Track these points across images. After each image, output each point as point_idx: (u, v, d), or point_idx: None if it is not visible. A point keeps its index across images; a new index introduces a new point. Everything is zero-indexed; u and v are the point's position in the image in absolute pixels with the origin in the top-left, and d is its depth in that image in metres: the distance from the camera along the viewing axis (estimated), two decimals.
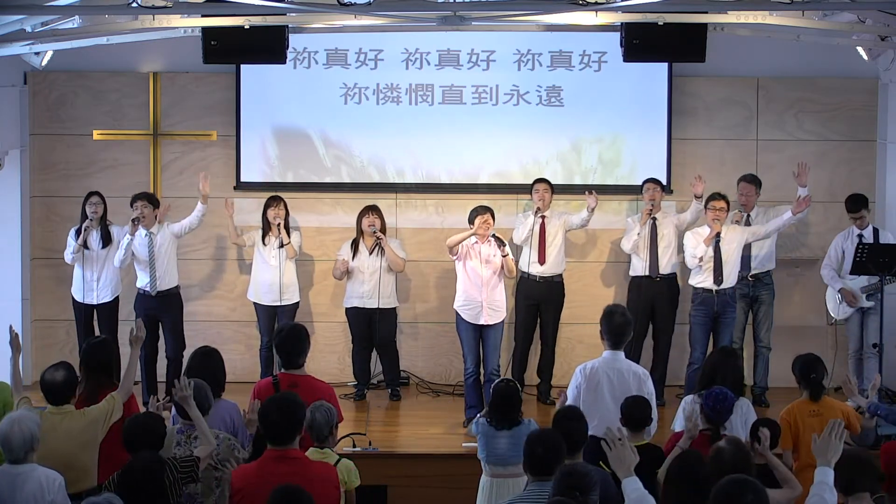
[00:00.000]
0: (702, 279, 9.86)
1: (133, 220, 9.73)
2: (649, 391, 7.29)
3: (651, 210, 9.99)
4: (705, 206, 9.83)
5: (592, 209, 9.94)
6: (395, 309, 10.34)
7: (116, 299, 10.12)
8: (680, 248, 10.12)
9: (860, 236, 9.89)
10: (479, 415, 7.39)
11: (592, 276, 10.85)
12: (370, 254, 10.11)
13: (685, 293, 10.21)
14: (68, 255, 9.98)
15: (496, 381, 7.36)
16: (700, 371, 7.55)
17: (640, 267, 10.09)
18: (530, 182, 10.30)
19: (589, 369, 7.35)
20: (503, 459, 6.96)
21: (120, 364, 7.15)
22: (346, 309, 10.29)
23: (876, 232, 9.98)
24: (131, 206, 9.88)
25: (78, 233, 9.93)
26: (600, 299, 10.45)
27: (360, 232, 10.17)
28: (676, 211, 10.42)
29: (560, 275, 10.20)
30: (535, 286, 10.07)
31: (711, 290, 9.80)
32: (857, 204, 9.98)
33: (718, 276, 9.75)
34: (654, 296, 10.02)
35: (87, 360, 7.03)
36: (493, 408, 7.07)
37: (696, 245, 9.80)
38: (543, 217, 10.08)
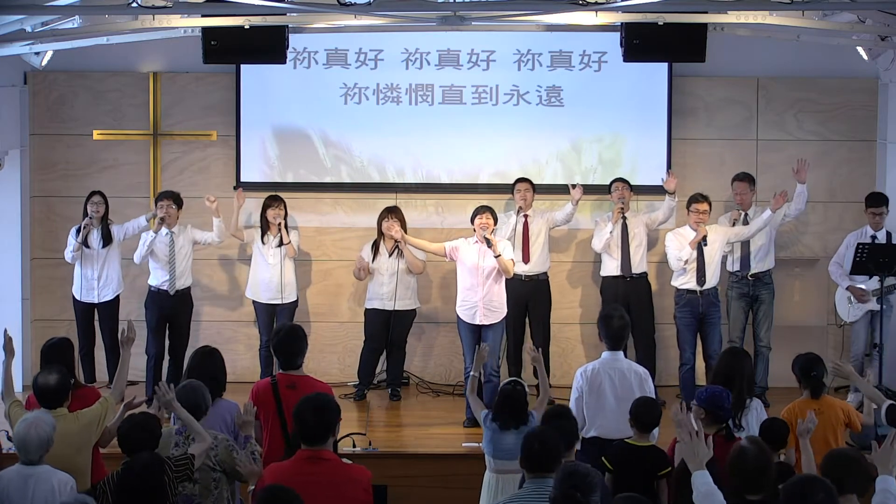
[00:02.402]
0: (685, 280, 9.86)
1: (161, 219, 9.81)
2: (650, 390, 7.30)
3: (623, 209, 10.01)
4: (687, 208, 9.84)
5: (577, 202, 9.96)
6: (414, 310, 10.35)
7: (117, 298, 10.16)
8: (650, 247, 10.17)
9: (873, 237, 9.89)
10: (488, 411, 7.33)
11: (592, 275, 10.84)
12: (389, 255, 10.12)
13: (662, 292, 10.20)
14: (68, 254, 10.01)
15: (504, 382, 7.33)
16: (713, 373, 7.50)
17: (612, 267, 10.11)
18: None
19: (590, 371, 7.35)
20: (511, 454, 6.92)
21: (76, 363, 7.14)
22: (366, 310, 10.30)
23: (889, 235, 9.96)
24: (155, 204, 9.97)
25: (78, 231, 9.95)
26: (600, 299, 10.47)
27: (380, 233, 10.17)
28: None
29: (545, 273, 10.21)
30: (521, 285, 10.06)
31: (695, 291, 9.81)
32: (879, 200, 9.98)
33: (701, 276, 9.75)
34: (628, 295, 10.01)
35: (47, 360, 6.99)
36: (499, 409, 7.03)
37: (681, 248, 9.80)
38: (526, 216, 10.09)
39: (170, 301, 9.97)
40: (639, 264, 10.09)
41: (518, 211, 10.06)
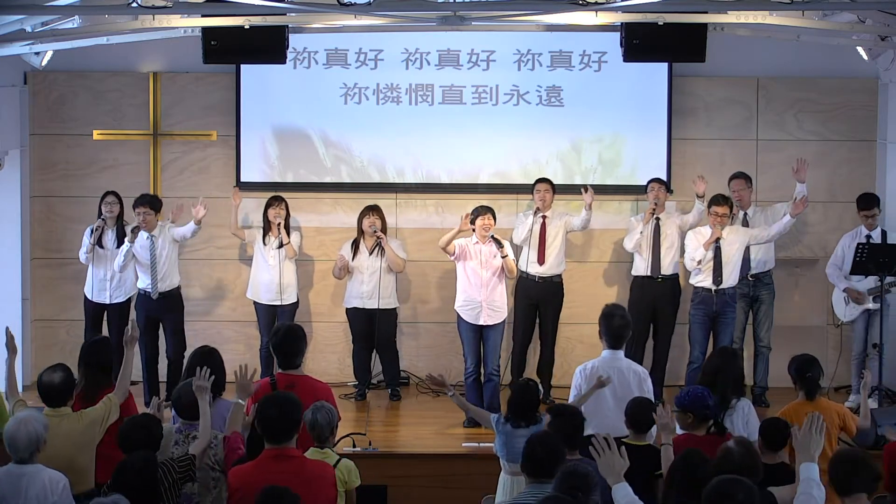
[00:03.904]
0: (702, 278, 9.83)
1: (133, 230, 9.74)
2: (649, 390, 7.30)
3: (654, 209, 9.98)
4: (708, 208, 9.81)
5: (590, 206, 9.92)
6: (395, 310, 10.33)
7: (129, 300, 10.11)
8: (683, 250, 10.10)
9: (868, 237, 9.88)
10: (499, 414, 7.33)
11: (593, 276, 10.84)
12: (370, 254, 10.11)
13: (686, 293, 10.17)
14: (82, 255, 9.96)
15: (518, 380, 7.32)
16: (700, 372, 7.53)
17: (642, 267, 10.07)
18: (530, 182, 10.30)
19: (589, 369, 7.36)
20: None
21: (119, 363, 7.15)
22: (347, 309, 10.30)
23: (884, 234, 9.95)
24: (134, 209, 9.86)
25: (93, 232, 9.92)
26: (601, 299, 10.40)
27: (360, 232, 10.17)
28: (677, 210, 10.41)
29: (559, 275, 10.18)
30: (534, 286, 10.06)
31: (711, 290, 9.77)
32: (870, 201, 9.97)
33: (718, 276, 9.73)
34: (655, 296, 10.01)
35: (86, 359, 7.03)
36: (512, 406, 7.03)
37: (697, 248, 9.77)
38: (544, 217, 10.07)
39: (154, 304, 9.91)
40: (669, 266, 10.02)
41: (536, 212, 10.04)
